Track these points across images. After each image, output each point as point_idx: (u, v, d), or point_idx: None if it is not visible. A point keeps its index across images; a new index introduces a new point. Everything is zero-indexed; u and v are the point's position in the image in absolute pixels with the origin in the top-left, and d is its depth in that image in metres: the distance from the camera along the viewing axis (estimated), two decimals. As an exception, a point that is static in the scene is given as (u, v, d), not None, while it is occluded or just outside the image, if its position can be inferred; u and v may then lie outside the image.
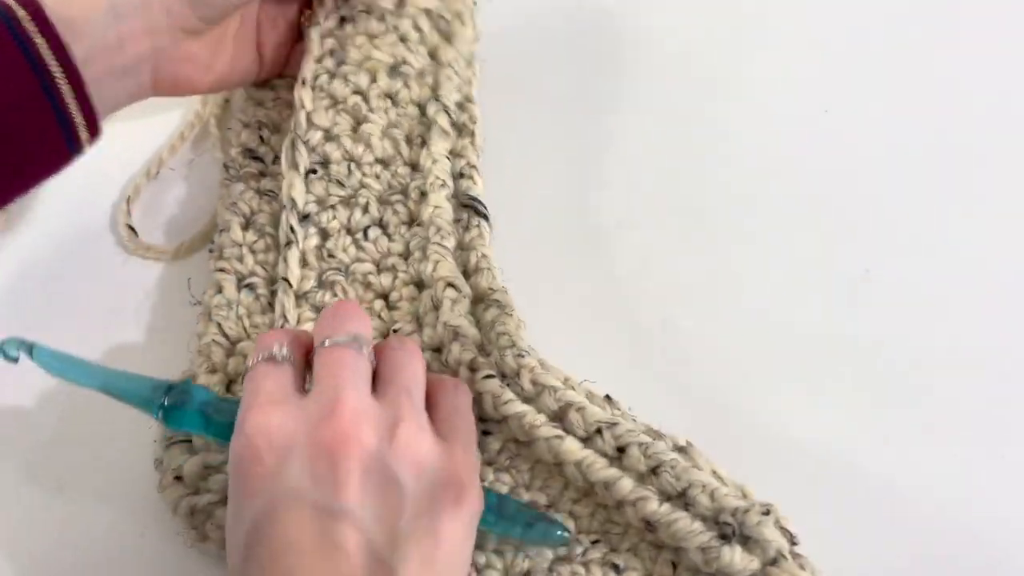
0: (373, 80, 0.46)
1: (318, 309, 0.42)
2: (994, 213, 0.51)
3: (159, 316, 0.46)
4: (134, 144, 0.51)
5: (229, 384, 0.41)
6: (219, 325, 0.42)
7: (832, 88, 0.55)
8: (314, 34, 0.46)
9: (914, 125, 0.54)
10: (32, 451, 0.42)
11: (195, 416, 0.36)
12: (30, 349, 0.37)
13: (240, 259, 0.44)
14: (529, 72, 0.55)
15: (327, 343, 0.34)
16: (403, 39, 0.47)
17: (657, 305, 0.47)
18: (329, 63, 0.46)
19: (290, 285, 0.42)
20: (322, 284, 0.43)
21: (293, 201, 0.43)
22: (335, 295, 0.43)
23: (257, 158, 0.46)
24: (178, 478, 0.38)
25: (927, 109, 0.54)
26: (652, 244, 0.49)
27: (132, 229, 0.48)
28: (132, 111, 0.51)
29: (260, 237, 0.44)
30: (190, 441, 0.39)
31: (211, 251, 0.45)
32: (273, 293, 0.43)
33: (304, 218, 0.44)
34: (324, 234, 0.44)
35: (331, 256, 0.43)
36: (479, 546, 0.36)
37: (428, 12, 0.47)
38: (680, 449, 0.37)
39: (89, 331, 0.45)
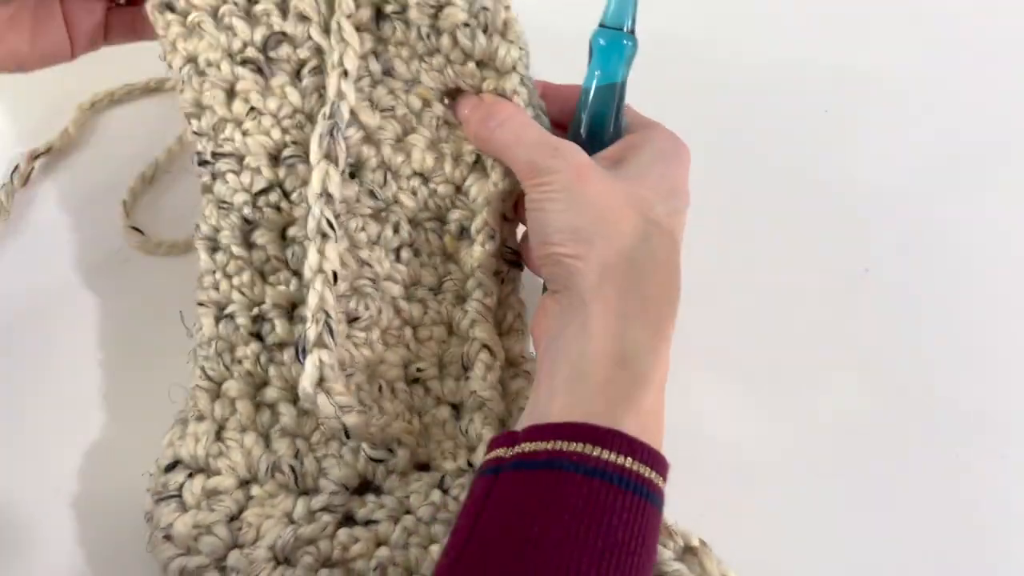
0: (427, 105, 0.42)
1: (349, 318, 0.40)
2: (994, 212, 0.51)
3: (153, 318, 0.46)
4: (132, 146, 0.51)
5: (219, 431, 0.40)
6: (202, 368, 0.40)
7: (832, 88, 0.55)
8: (346, 24, 0.40)
9: (914, 125, 0.54)
10: (33, 453, 0.42)
11: (602, 70, 0.42)
12: None
13: (216, 287, 0.41)
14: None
15: None
16: (449, 60, 0.41)
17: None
18: (374, 65, 0.41)
19: (334, 280, 0.38)
20: (355, 290, 0.41)
21: (329, 195, 0.39)
22: (367, 307, 0.40)
23: (204, 162, 0.42)
24: (167, 537, 0.37)
25: (927, 109, 0.55)
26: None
27: (138, 230, 0.48)
28: (133, 114, 0.52)
29: (229, 259, 0.41)
30: (180, 496, 0.38)
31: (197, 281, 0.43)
32: (254, 320, 0.40)
33: (336, 218, 0.39)
34: (353, 242, 0.41)
35: (367, 265, 0.41)
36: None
37: (465, 25, 0.40)
38: (690, 550, 0.36)
39: (85, 332, 0.45)
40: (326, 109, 0.40)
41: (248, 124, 0.41)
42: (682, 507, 0.38)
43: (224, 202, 0.41)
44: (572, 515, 0.30)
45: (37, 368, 0.44)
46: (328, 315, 0.37)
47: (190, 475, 0.39)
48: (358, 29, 0.41)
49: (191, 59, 0.42)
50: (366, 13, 0.41)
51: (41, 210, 0.49)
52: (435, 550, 0.36)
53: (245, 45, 0.41)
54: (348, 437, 0.38)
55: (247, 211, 0.41)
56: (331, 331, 0.37)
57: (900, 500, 0.42)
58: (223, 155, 0.41)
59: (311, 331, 0.37)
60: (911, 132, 0.54)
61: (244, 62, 0.41)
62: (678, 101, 0.55)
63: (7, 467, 0.41)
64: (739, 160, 0.52)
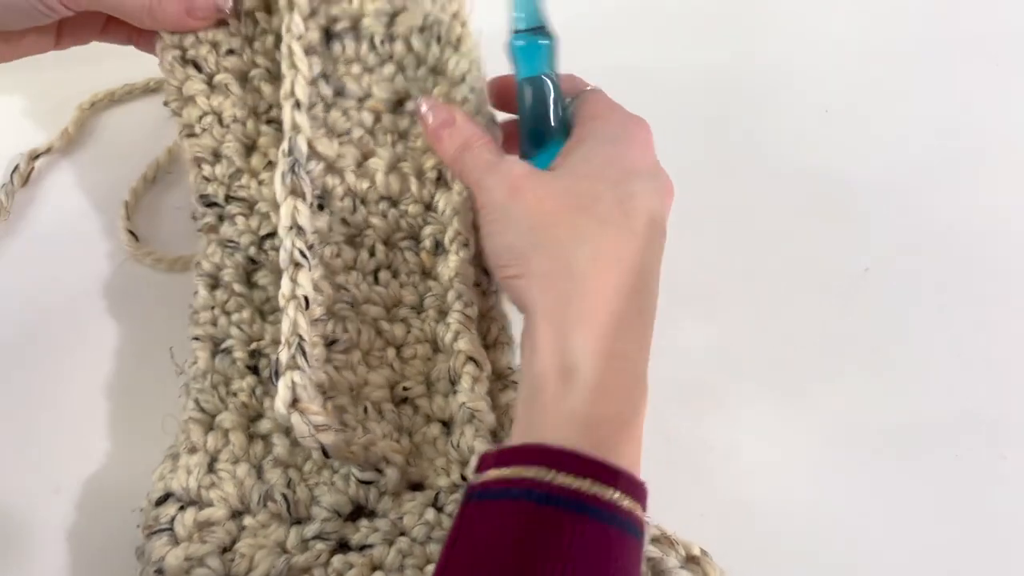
0: (378, 120, 0.43)
1: (327, 341, 0.40)
2: (994, 211, 0.51)
3: (153, 319, 0.46)
4: (132, 146, 0.51)
5: (211, 463, 0.39)
6: (196, 401, 0.40)
7: (832, 88, 0.55)
8: (296, 47, 0.41)
9: (914, 124, 0.54)
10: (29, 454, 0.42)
11: (527, 69, 0.40)
12: None
13: (214, 323, 0.42)
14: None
15: None
16: (401, 67, 0.43)
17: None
18: (325, 89, 0.43)
19: (306, 305, 0.39)
20: (332, 314, 0.41)
21: (300, 228, 0.39)
22: (346, 330, 0.41)
23: (212, 204, 0.43)
24: (159, 572, 0.37)
25: (927, 109, 0.54)
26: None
27: (132, 234, 0.48)
28: (133, 114, 0.51)
29: (230, 296, 0.42)
30: (171, 529, 0.38)
31: (191, 315, 0.43)
32: (251, 354, 0.41)
33: (309, 248, 0.40)
34: (329, 269, 0.41)
35: (343, 289, 0.41)
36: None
37: (420, 30, 0.42)
38: (692, 559, 0.36)
39: (85, 333, 0.45)
40: (284, 146, 0.40)
41: (264, 175, 0.42)
42: (682, 508, 0.38)
43: (231, 241, 0.42)
44: (525, 549, 0.29)
45: (36, 368, 0.44)
46: (301, 338, 0.38)
47: (182, 508, 0.38)
48: (307, 52, 0.42)
49: (215, 113, 0.43)
50: (315, 35, 0.42)
51: (41, 210, 0.49)
52: (431, 570, 0.36)
53: (271, 107, 0.43)
54: (328, 456, 0.38)
55: (252, 251, 0.42)
56: (304, 353, 0.37)
57: (900, 500, 0.42)
58: (235, 199, 0.42)
59: (283, 354, 0.37)
60: (911, 131, 0.54)
61: (270, 121, 0.43)
62: (678, 101, 0.55)
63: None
64: (739, 159, 0.52)
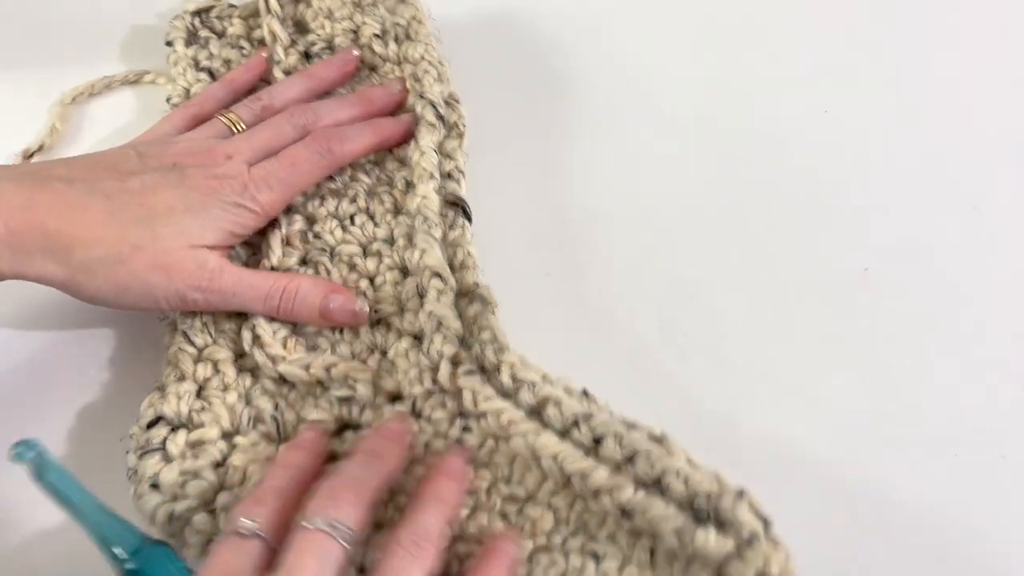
0: None
1: None
2: (993, 212, 0.51)
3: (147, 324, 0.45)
4: (120, 137, 0.51)
5: (199, 391, 0.41)
6: (184, 334, 0.42)
7: (832, 88, 0.55)
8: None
9: (914, 125, 0.54)
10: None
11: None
12: (39, 456, 0.34)
13: None
14: (505, 66, 0.55)
15: (305, 523, 0.33)
16: (372, 68, 0.52)
17: (656, 306, 0.47)
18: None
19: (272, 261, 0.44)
20: (306, 262, 0.45)
21: None
22: (316, 271, 0.45)
23: None
24: (154, 486, 0.38)
25: (927, 109, 0.55)
26: (650, 244, 0.49)
27: None
28: (115, 106, 0.51)
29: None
30: (164, 449, 0.39)
31: None
32: None
33: (288, 209, 0.46)
34: (310, 220, 0.46)
35: (317, 237, 0.46)
36: None
37: (378, 36, 0.51)
38: (656, 439, 0.37)
39: (86, 331, 0.45)
40: None
41: None
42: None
43: None
44: None
45: (37, 367, 0.43)
46: None
47: (173, 430, 0.40)
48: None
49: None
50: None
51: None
52: (417, 471, 0.39)
53: None
54: (284, 381, 0.42)
55: None
56: None
57: (899, 500, 0.42)
58: None
59: None
60: (911, 131, 0.54)
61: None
62: (677, 100, 0.55)
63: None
64: (739, 160, 0.52)
